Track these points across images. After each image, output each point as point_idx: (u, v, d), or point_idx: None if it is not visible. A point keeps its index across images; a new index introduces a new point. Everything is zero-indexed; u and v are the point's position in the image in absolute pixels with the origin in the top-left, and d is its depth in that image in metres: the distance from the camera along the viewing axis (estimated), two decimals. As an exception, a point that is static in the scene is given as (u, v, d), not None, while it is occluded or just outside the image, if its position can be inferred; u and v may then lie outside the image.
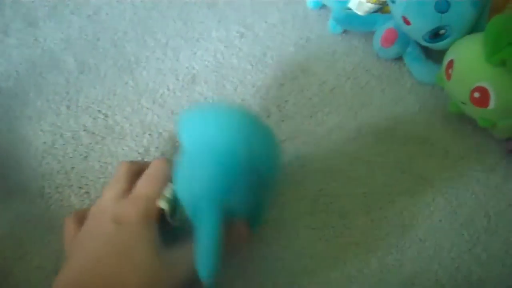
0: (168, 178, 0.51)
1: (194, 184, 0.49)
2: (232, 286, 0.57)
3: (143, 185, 0.49)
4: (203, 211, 0.48)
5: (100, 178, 0.61)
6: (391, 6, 0.70)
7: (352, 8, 0.74)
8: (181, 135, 0.53)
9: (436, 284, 0.59)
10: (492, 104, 0.62)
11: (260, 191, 0.52)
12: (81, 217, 0.48)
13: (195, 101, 0.67)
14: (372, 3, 0.72)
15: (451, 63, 0.65)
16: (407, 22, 0.68)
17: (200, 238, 0.46)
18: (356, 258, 0.60)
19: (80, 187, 0.61)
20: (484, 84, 0.62)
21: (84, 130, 0.64)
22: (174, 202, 0.51)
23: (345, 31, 0.76)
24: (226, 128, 0.51)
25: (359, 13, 0.74)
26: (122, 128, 0.65)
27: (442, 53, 0.68)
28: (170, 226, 0.50)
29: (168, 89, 0.69)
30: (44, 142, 0.63)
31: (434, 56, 0.72)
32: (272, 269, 0.58)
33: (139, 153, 0.63)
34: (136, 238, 0.43)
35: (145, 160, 0.62)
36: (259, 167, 0.50)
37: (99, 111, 0.66)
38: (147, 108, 0.67)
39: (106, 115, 0.65)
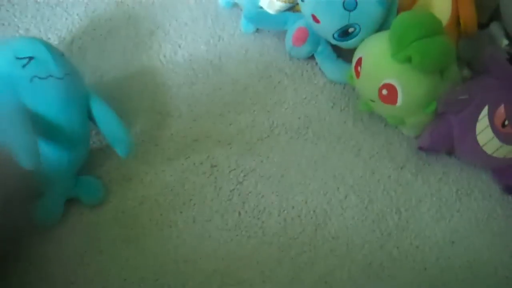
0: None
1: None
2: (141, 291, 0.55)
3: None
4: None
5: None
6: (301, 5, 0.69)
7: (263, 7, 0.73)
8: None
9: (349, 280, 0.59)
10: (400, 100, 0.63)
11: (52, 82, 0.53)
12: None
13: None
14: (282, 2, 0.71)
15: (359, 61, 0.65)
16: (316, 21, 0.68)
17: (9, 137, 0.49)
18: (269, 258, 0.59)
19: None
20: (391, 81, 0.62)
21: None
22: None
23: (257, 30, 0.75)
24: None
25: (270, 11, 0.73)
26: None
27: (353, 51, 0.68)
28: None
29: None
30: None
31: (345, 55, 0.72)
32: (183, 271, 0.57)
33: None
34: None
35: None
36: (27, 54, 0.53)
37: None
38: None
39: None
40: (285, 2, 0.72)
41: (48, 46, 0.54)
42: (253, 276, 0.58)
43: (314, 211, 0.62)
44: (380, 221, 0.63)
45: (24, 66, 0.50)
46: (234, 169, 0.64)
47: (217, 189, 0.62)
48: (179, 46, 0.72)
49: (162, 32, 0.73)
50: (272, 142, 0.66)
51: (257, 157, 0.65)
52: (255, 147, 0.66)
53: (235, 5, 0.77)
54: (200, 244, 0.59)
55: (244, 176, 0.64)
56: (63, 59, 0.54)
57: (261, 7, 0.74)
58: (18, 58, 0.51)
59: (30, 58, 0.51)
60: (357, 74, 0.66)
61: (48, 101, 0.52)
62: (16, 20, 0.70)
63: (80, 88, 0.56)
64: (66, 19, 0.72)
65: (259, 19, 0.74)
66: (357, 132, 0.69)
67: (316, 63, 0.74)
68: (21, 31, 0.69)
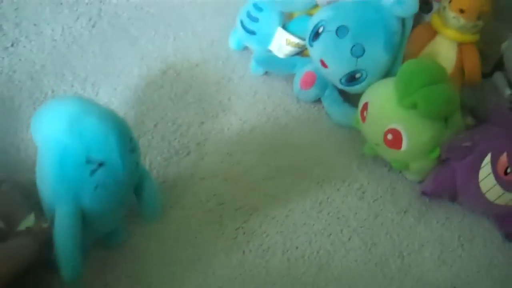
0: None
1: (43, 187, 0.51)
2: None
3: None
4: (56, 211, 0.49)
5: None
6: (310, 50, 0.72)
7: (273, 51, 0.75)
8: (32, 133, 0.54)
9: (351, 323, 0.59)
10: (404, 145, 0.64)
11: (114, 187, 0.51)
12: None
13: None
14: (292, 46, 0.74)
15: (366, 105, 0.67)
16: (324, 65, 0.70)
17: (57, 239, 0.48)
18: (272, 298, 0.59)
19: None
20: (396, 126, 0.64)
21: (-6, 162, 0.61)
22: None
23: (266, 73, 0.77)
24: (55, 121, 0.51)
25: (280, 55, 0.75)
26: (34, 162, 0.62)
27: (359, 96, 0.70)
28: None
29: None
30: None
31: (351, 99, 0.74)
32: (186, 308, 0.57)
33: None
34: None
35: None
36: (99, 157, 0.49)
37: (11, 144, 0.63)
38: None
39: (18, 148, 0.63)
40: (294, 46, 0.74)
41: (121, 143, 0.50)
42: (256, 315, 0.58)
43: (317, 252, 0.63)
44: (383, 264, 0.63)
45: (92, 172, 0.48)
46: (240, 207, 0.65)
47: (222, 227, 0.63)
48: (190, 86, 0.74)
49: (174, 72, 0.75)
50: (278, 182, 0.67)
51: (262, 196, 0.66)
52: (261, 186, 0.67)
53: (246, 48, 0.80)
54: (204, 281, 0.59)
55: (250, 215, 0.64)
56: (133, 158, 0.52)
57: (270, 51, 0.76)
58: (88, 162, 0.48)
59: (101, 164, 0.48)
60: (363, 118, 0.67)
61: (105, 205, 0.51)
62: (33, 56, 0.72)
63: (138, 174, 0.55)
64: (82, 56, 0.74)
65: (269, 62, 0.77)
66: (361, 175, 0.70)
67: (323, 107, 0.75)
68: (37, 67, 0.71)
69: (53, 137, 0.50)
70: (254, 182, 0.67)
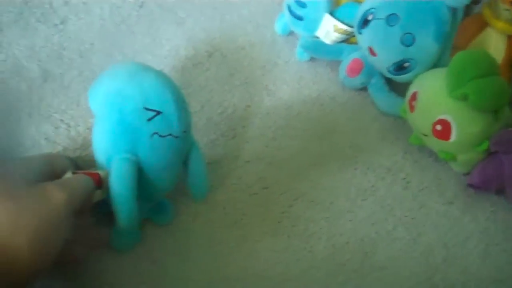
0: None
1: (99, 140, 0.52)
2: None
3: None
4: (113, 160, 0.50)
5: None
6: (358, 37, 0.71)
7: (319, 37, 0.75)
8: (90, 103, 0.55)
9: (394, 311, 0.59)
10: (453, 137, 0.64)
11: (169, 140, 0.52)
12: None
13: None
14: (339, 33, 0.73)
15: (414, 95, 0.67)
16: (373, 53, 0.69)
17: (114, 185, 0.50)
18: (316, 283, 0.60)
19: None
20: (446, 117, 0.63)
21: (45, 139, 0.62)
22: None
23: (312, 59, 0.77)
24: (114, 77, 0.53)
25: (327, 42, 0.75)
26: (84, 139, 0.63)
27: (405, 85, 0.69)
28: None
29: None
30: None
31: (397, 88, 0.74)
32: (232, 290, 0.58)
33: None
34: None
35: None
36: (156, 106, 0.51)
37: (62, 120, 0.64)
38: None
39: (68, 125, 0.64)
40: (341, 33, 0.73)
41: (176, 99, 0.52)
42: (300, 299, 0.58)
43: (362, 239, 0.63)
44: (428, 254, 0.63)
45: (149, 119, 0.50)
46: (284, 192, 0.65)
47: (267, 211, 0.63)
48: (236, 69, 0.74)
49: (220, 55, 0.75)
50: (323, 169, 0.67)
51: (307, 182, 0.66)
52: (305, 172, 0.67)
53: (291, 33, 0.79)
54: (249, 263, 0.60)
55: (294, 200, 0.65)
56: (186, 114, 0.54)
57: (317, 37, 0.75)
58: (146, 109, 0.49)
59: (158, 112, 0.50)
60: (411, 108, 0.67)
61: (158, 158, 0.52)
62: (82, 34, 0.73)
63: (189, 142, 0.56)
64: (129, 36, 0.74)
65: (315, 48, 0.76)
66: (407, 165, 0.69)
67: (368, 94, 0.75)
68: (86, 45, 0.71)
69: (113, 89, 0.51)
70: (298, 168, 0.67)
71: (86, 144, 0.63)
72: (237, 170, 0.66)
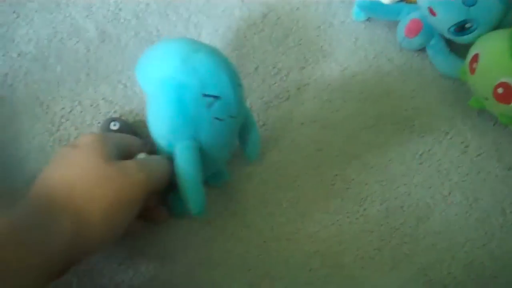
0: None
1: (158, 128, 0.52)
2: (246, 264, 0.57)
3: None
4: (177, 147, 0.51)
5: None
6: (418, -4, 0.69)
7: (377, -4, 0.73)
8: (139, 80, 0.56)
9: (448, 276, 0.59)
10: (515, 100, 0.62)
11: (228, 121, 0.52)
12: None
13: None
14: (398, -8, 0.71)
15: (476, 57, 0.64)
16: (433, 13, 0.67)
17: (181, 173, 0.50)
18: (370, 246, 0.60)
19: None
20: (508, 80, 0.61)
21: (103, 99, 0.63)
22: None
23: (368, 19, 0.75)
24: (166, 62, 0.52)
25: (384, 1, 0.73)
26: (141, 99, 0.64)
27: (465, 47, 0.67)
28: None
29: (189, 64, 0.68)
30: (63, 108, 0.62)
31: (457, 49, 0.71)
32: (285, 249, 0.58)
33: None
34: (84, 152, 0.47)
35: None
36: (214, 92, 0.50)
37: (119, 81, 0.65)
38: (167, 82, 0.66)
39: (125, 86, 0.65)
40: (400, -8, 0.71)
41: (232, 79, 0.52)
42: (353, 261, 0.58)
43: (417, 204, 0.62)
44: (484, 220, 0.62)
45: (209, 105, 0.49)
46: (338, 155, 0.65)
47: (320, 173, 0.63)
48: (291, 30, 0.73)
49: (274, 16, 0.74)
50: (378, 132, 0.67)
51: (361, 145, 0.66)
52: (360, 135, 0.66)
53: (348, -8, 0.78)
54: (302, 224, 0.60)
55: (348, 163, 0.64)
56: (241, 93, 0.53)
57: (374, -4, 0.74)
58: (204, 96, 0.49)
59: (216, 97, 0.49)
60: (472, 70, 0.65)
61: (218, 139, 0.52)
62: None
63: (244, 111, 0.56)
64: None
65: (372, 8, 0.74)
66: (465, 129, 0.68)
67: (427, 56, 0.73)
68: (141, 6, 0.71)
69: (167, 77, 0.51)
70: (353, 130, 0.66)
71: (143, 104, 0.63)
72: (291, 132, 0.65)
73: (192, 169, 0.50)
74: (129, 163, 0.47)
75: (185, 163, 0.50)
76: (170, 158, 0.51)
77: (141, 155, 0.52)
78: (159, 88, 0.51)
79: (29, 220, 0.42)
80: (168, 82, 0.50)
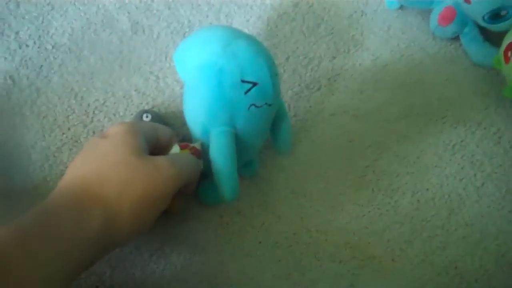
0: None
1: (194, 114, 0.53)
2: (276, 255, 0.57)
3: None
4: (212, 132, 0.51)
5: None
6: (453, -16, 0.68)
7: (411, -16, 0.72)
8: (178, 66, 0.56)
9: (480, 269, 0.58)
10: (551, 91, 0.60)
11: (264, 108, 0.52)
12: None
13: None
14: (432, -20, 0.70)
15: (510, 45, 0.63)
16: (467, 1, 0.66)
17: (216, 158, 0.50)
18: (400, 238, 0.59)
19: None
20: (544, 69, 0.60)
21: (136, 90, 0.64)
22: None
23: (401, 7, 0.74)
24: (206, 48, 0.52)
25: (418, -11, 0.72)
26: (172, 90, 0.64)
27: (500, 35, 0.66)
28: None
29: (220, 55, 0.68)
30: (96, 99, 0.63)
31: (492, 38, 0.70)
32: (315, 241, 0.58)
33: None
34: (114, 143, 0.47)
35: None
36: (253, 78, 0.50)
37: (151, 72, 0.66)
38: (198, 73, 0.66)
39: (157, 77, 0.65)
40: (434, -20, 0.70)
41: (270, 67, 0.51)
42: (383, 253, 0.58)
43: (448, 195, 0.62)
44: (518, 212, 0.61)
45: (246, 92, 0.49)
46: (370, 145, 0.64)
47: (352, 164, 0.63)
48: (322, 19, 0.73)
49: (306, 4, 0.74)
50: (410, 122, 0.66)
51: (393, 135, 0.65)
52: (392, 125, 0.66)
53: (381, -20, 0.77)
54: (332, 216, 0.60)
55: (380, 153, 0.64)
56: (278, 82, 0.53)
57: (408, -16, 0.73)
58: (243, 82, 0.49)
59: (254, 84, 0.49)
60: (506, 59, 0.63)
61: (253, 126, 0.52)
62: None
63: (278, 102, 0.56)
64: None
65: (405, -4, 0.74)
66: (499, 119, 0.67)
67: (460, 45, 0.72)
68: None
69: (208, 62, 0.51)
70: (385, 121, 0.66)
71: (174, 95, 0.64)
72: (321, 123, 0.65)
73: (227, 154, 0.50)
74: (160, 159, 0.48)
75: (220, 148, 0.50)
76: (205, 144, 0.52)
77: (175, 148, 0.52)
78: (198, 73, 0.51)
79: (61, 210, 0.43)
80: (208, 66, 0.51)
